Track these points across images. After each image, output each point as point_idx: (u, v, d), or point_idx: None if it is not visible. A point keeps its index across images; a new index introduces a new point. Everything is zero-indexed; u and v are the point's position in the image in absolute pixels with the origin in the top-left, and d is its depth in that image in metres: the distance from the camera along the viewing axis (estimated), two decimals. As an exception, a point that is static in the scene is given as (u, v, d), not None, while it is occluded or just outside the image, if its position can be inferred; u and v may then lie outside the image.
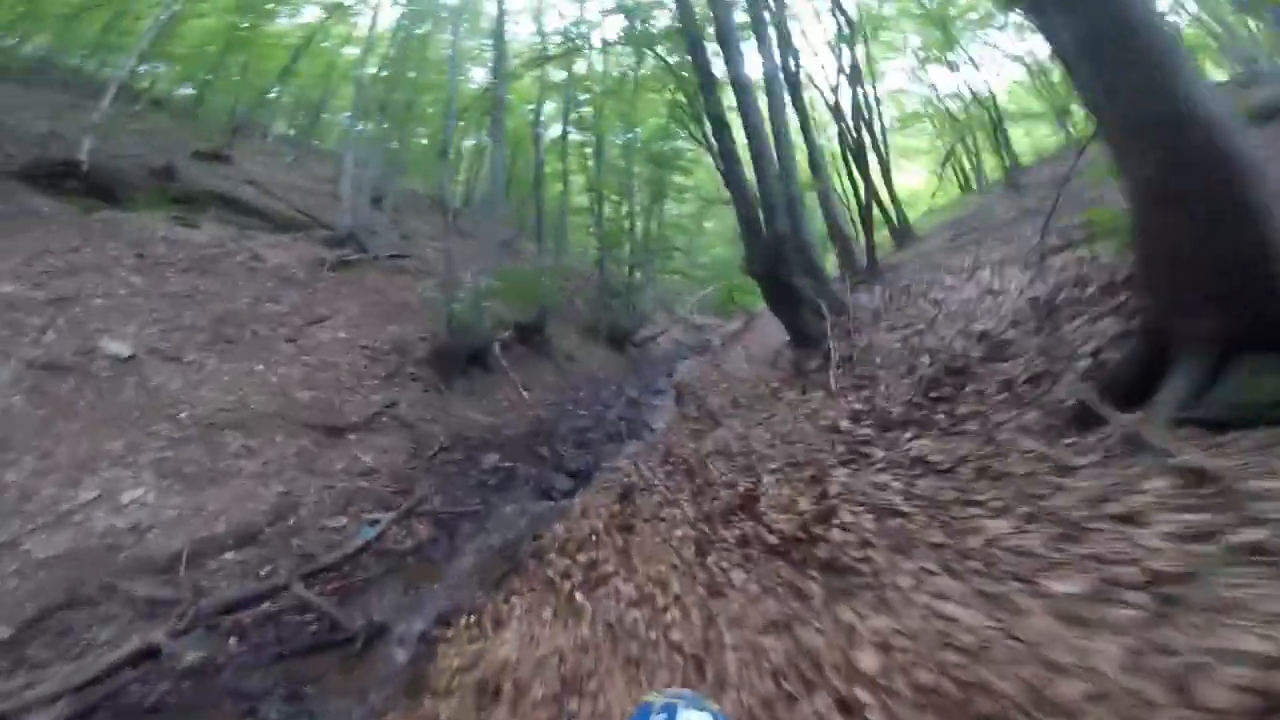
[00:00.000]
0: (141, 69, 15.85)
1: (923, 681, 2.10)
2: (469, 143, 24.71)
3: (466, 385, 10.00)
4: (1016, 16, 17.27)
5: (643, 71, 17.81)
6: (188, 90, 18.96)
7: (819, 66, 36.44)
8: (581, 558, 4.69)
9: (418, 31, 18.55)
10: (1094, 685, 1.77)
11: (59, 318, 7.09)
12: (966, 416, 3.95)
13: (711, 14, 9.98)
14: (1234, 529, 2.04)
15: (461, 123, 21.49)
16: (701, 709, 1.27)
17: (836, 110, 14.77)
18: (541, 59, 19.59)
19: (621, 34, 14.80)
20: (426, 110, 20.86)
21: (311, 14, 21.22)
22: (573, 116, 21.60)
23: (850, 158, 14.21)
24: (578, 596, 4.09)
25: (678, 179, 21.05)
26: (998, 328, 5.21)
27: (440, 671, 3.90)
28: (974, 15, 19.08)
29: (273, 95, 22.09)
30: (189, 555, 5.05)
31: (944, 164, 22.26)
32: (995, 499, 2.87)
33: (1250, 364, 2.67)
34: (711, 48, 10.31)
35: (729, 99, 10.11)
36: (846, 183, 15.78)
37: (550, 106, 23.18)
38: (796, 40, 14.52)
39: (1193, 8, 17.53)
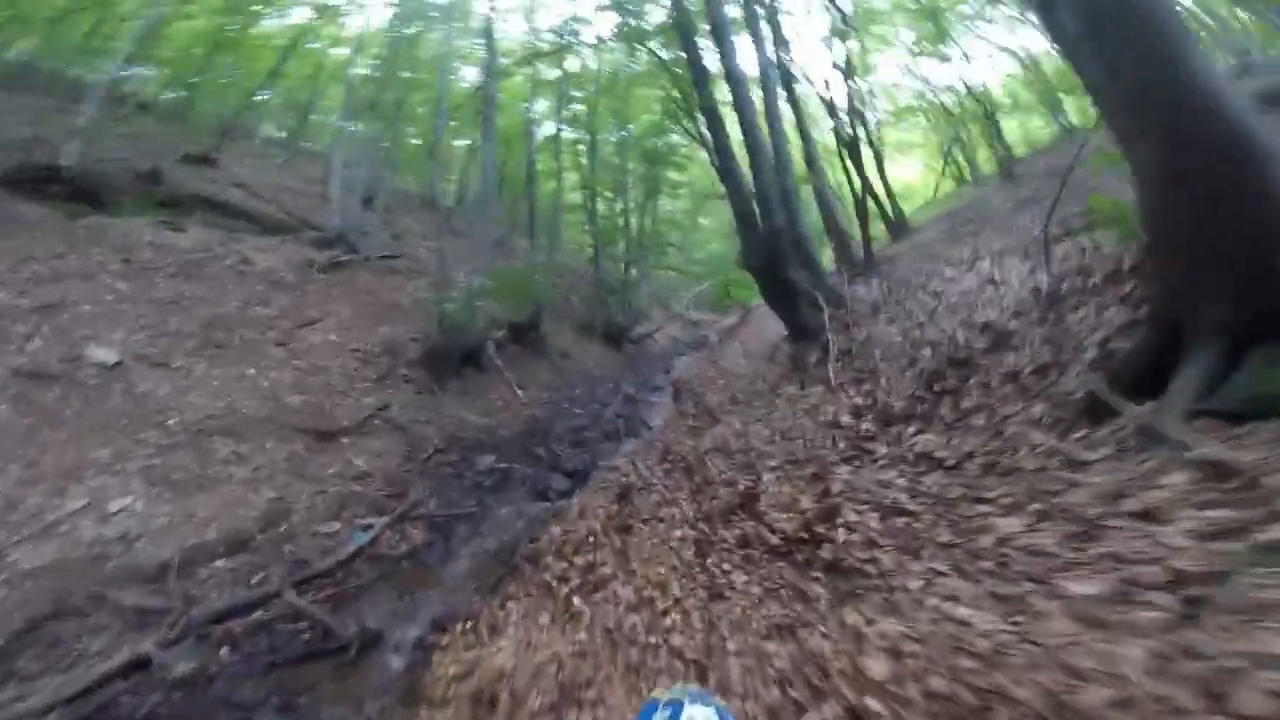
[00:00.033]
0: (128, 72, 15.65)
1: (936, 689, 2.01)
2: (462, 142, 24.55)
3: (460, 386, 9.89)
4: (1006, 9, 17.33)
5: (636, 68, 17.71)
6: (175, 94, 18.71)
7: (812, 61, 36.55)
8: (579, 560, 4.61)
9: (407, 31, 18.37)
10: (1119, 691, 1.67)
11: (44, 325, 6.97)
12: (971, 410, 3.85)
13: (705, 8, 9.90)
14: (1261, 526, 1.94)
15: (454, 122, 21.41)
16: (707, 705, 1.28)
17: (830, 105, 14.73)
18: (533, 56, 19.47)
19: (615, 30, 14.71)
20: (417, 110, 20.71)
21: (300, 15, 21.06)
22: (565, 114, 21.51)
23: (845, 152, 14.19)
24: (575, 601, 4.02)
25: (672, 175, 21.04)
26: (1000, 318, 5.11)
27: (436, 680, 3.82)
28: (966, 8, 19.05)
29: (261, 97, 21.88)
30: (179, 564, 4.95)
31: (945, 155, 22.14)
32: (1005, 496, 2.77)
33: (1266, 353, 2.58)
34: (705, 43, 10.28)
35: (723, 94, 10.07)
36: (841, 177, 15.76)
37: (544, 104, 23.09)
38: (789, 35, 14.56)
39: (1186, 0, 17.47)
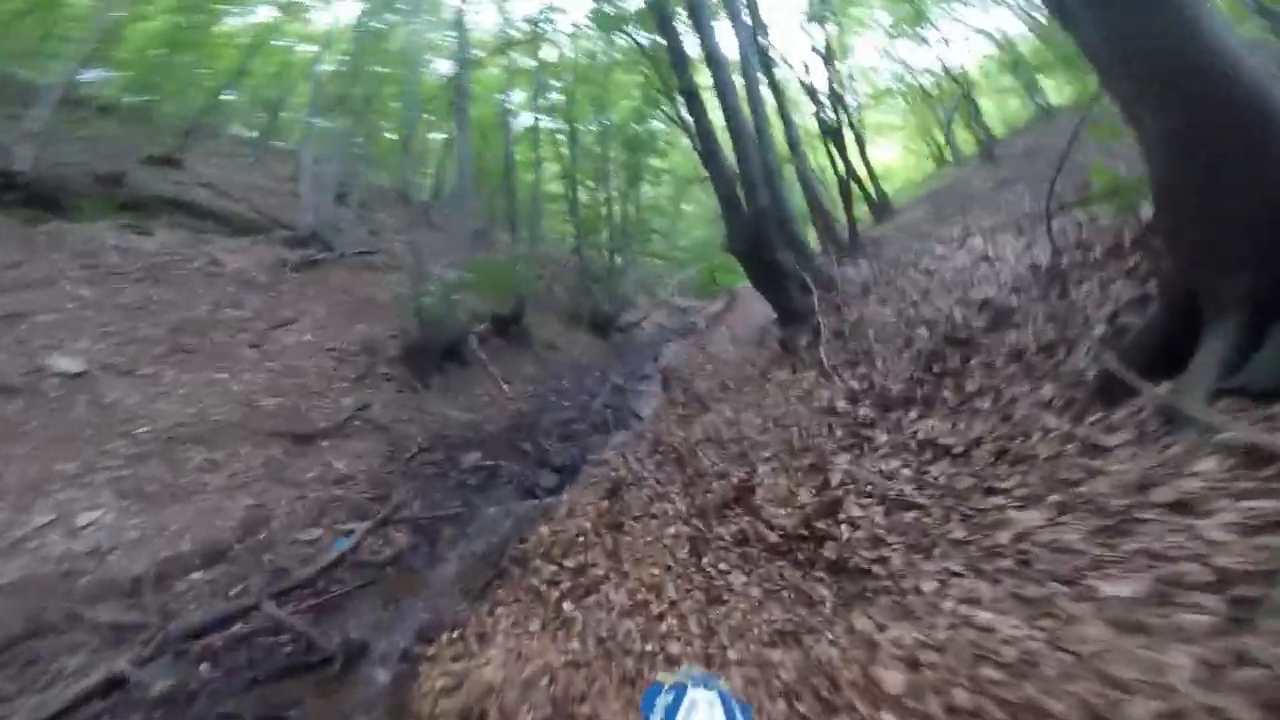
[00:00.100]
0: (85, 75, 15.20)
1: (959, 703, 1.85)
2: (439, 136, 24.20)
3: (443, 382, 9.67)
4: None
5: (615, 55, 17.53)
6: (137, 96, 18.16)
7: (791, 46, 36.53)
8: (569, 562, 4.45)
9: (375, 25, 17.99)
10: (1166, 703, 1.51)
11: (3, 337, 6.72)
12: (975, 392, 3.67)
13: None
14: (1311, 517, 1.77)
15: (430, 116, 21.06)
16: (710, 688, 1.31)
17: (811, 89, 14.66)
18: (507, 45, 19.18)
19: (591, 15, 14.45)
20: (389, 104, 20.34)
21: (265, 12, 20.62)
22: (543, 103, 21.25)
23: (826, 134, 14.12)
24: (566, 606, 3.87)
25: (654, 161, 20.90)
26: (999, 295, 4.94)
27: (423, 695, 3.67)
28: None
29: (227, 96, 21.38)
30: (154, 577, 4.80)
31: (947, 132, 22.02)
32: (1020, 486, 2.59)
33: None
34: (683, 27, 10.14)
35: (703, 79, 9.92)
36: (823, 161, 15.74)
37: (521, 95, 22.79)
38: (767, 20, 14.49)
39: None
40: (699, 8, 9.50)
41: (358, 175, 16.56)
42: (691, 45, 10.17)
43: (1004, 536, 2.35)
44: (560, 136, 21.89)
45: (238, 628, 4.49)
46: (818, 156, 18.36)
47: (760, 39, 12.91)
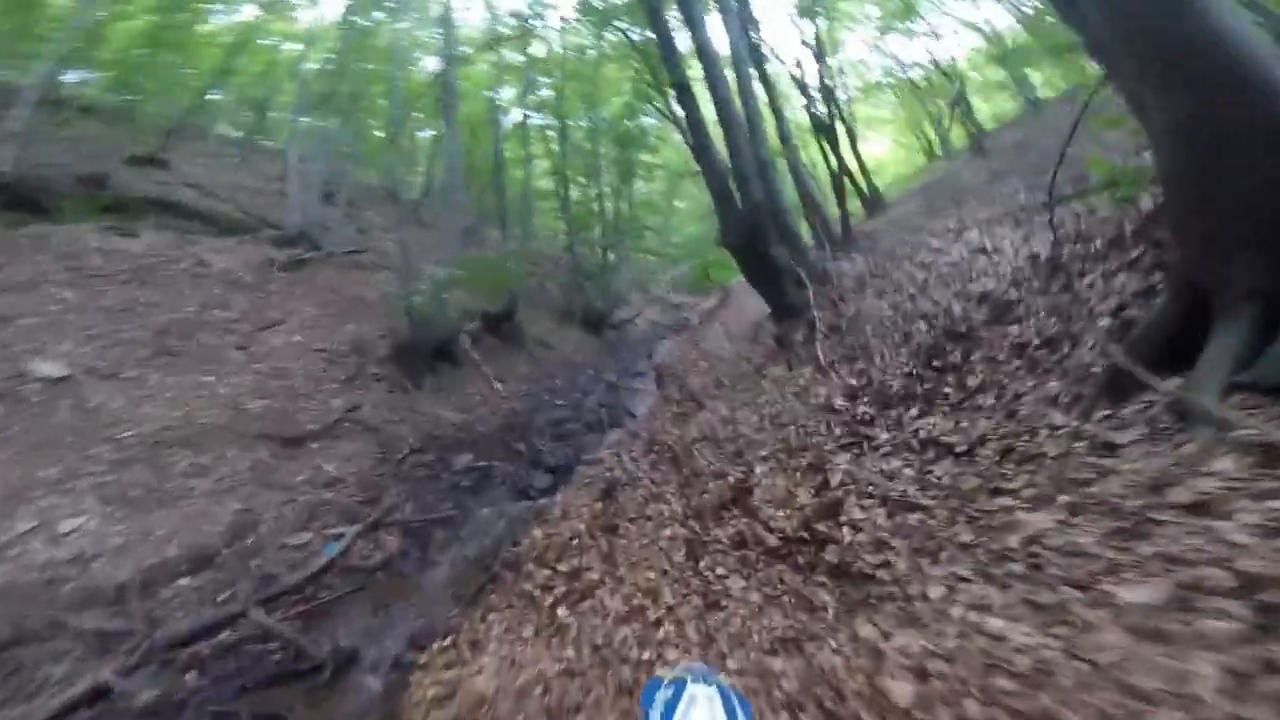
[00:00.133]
0: (65, 76, 15.02)
1: (971, 715, 1.77)
2: (427, 133, 24.04)
3: (434, 382, 9.58)
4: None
5: (605, 50, 17.44)
6: (120, 96, 17.91)
7: (782, 40, 36.57)
8: (563, 566, 4.36)
9: (361, 22, 17.85)
10: (1191, 714, 1.44)
11: (-16, 341, 6.59)
12: (978, 388, 3.58)
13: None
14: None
15: (420, 114, 20.90)
16: (710, 683, 1.29)
17: (802, 83, 14.63)
18: (495, 41, 19.05)
19: (579, 8, 14.37)
20: (377, 101, 20.20)
21: (249, 11, 20.44)
22: (532, 99, 21.14)
23: (818, 129, 14.09)
24: (560, 612, 3.78)
25: (646, 157, 20.86)
26: (999, 288, 4.85)
27: (415, 704, 3.61)
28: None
29: (213, 96, 21.17)
30: (140, 584, 4.76)
31: (938, 126, 22.05)
32: (1028, 486, 2.50)
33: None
34: (674, 20, 10.07)
35: (694, 72, 9.85)
36: (815, 156, 15.72)
37: (510, 91, 22.71)
38: (758, 15, 14.37)
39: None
40: (690, 1, 9.39)
41: (345, 174, 16.48)
42: (682, 39, 10.10)
43: (1013, 539, 2.26)
44: (550, 133, 21.87)
45: (225, 635, 4.46)
46: (809, 151, 18.35)
47: (751, 33, 12.83)
